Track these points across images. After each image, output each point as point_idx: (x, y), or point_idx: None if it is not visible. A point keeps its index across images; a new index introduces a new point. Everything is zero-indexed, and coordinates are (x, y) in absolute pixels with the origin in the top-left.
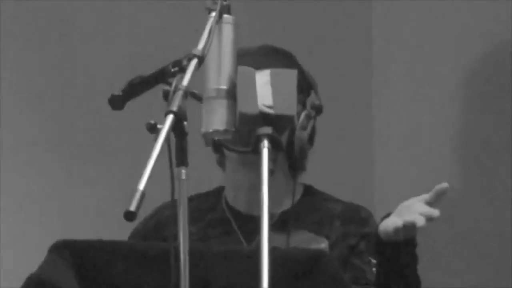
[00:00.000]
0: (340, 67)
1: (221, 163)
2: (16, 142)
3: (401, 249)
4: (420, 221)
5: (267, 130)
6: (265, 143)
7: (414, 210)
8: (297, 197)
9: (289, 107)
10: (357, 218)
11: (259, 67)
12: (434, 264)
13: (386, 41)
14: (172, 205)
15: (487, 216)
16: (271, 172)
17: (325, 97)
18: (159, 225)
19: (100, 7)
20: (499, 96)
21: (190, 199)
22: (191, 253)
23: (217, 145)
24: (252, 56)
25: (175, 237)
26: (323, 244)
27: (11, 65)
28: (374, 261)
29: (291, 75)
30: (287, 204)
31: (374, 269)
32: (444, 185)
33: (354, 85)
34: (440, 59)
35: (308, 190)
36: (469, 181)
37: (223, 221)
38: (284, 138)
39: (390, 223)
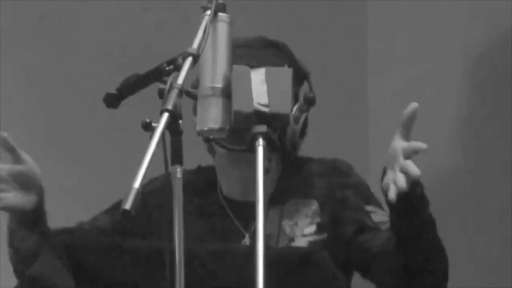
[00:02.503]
0: (335, 63)
1: (211, 151)
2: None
3: (410, 199)
4: (413, 171)
5: (262, 128)
6: (260, 141)
7: (399, 157)
8: (281, 170)
9: (284, 105)
10: (336, 170)
11: (252, 59)
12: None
13: (381, 37)
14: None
15: (486, 211)
16: (266, 171)
17: (319, 91)
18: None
19: (95, 6)
20: (497, 91)
21: (188, 173)
22: (187, 252)
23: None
24: (245, 49)
25: (160, 208)
26: (313, 206)
27: (10, 65)
28: (368, 208)
29: (286, 73)
30: (273, 177)
31: (371, 213)
32: (413, 105)
33: (349, 82)
34: (437, 53)
35: (290, 162)
36: (468, 178)
37: (220, 210)
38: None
39: (391, 189)
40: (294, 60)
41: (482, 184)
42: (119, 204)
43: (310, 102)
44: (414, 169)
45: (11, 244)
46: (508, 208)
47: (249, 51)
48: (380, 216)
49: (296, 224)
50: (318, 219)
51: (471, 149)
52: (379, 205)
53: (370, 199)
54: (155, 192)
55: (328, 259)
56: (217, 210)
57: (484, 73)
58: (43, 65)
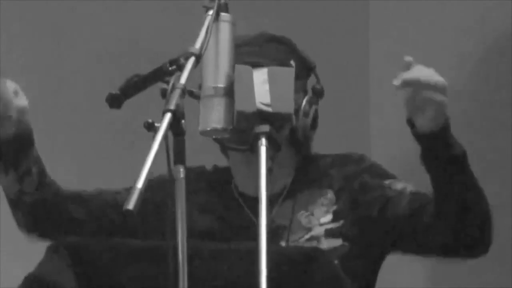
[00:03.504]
0: (336, 63)
1: (224, 152)
2: None
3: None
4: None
5: (265, 128)
6: (263, 141)
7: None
8: (298, 166)
9: (287, 105)
10: (350, 159)
11: (257, 56)
12: (433, 264)
13: (383, 37)
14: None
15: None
16: (269, 170)
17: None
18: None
19: (97, 6)
20: (498, 91)
21: (206, 172)
22: (189, 251)
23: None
24: (249, 46)
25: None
26: (329, 194)
27: (10, 65)
28: (386, 182)
29: (289, 73)
30: (290, 177)
31: (391, 185)
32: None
33: (351, 81)
34: (438, 53)
35: (304, 157)
36: None
37: (237, 206)
38: (287, 125)
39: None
40: (299, 53)
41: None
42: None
43: (319, 94)
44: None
45: None
46: (508, 204)
47: (252, 49)
48: (400, 184)
49: (312, 214)
50: (334, 207)
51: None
52: (396, 178)
53: (386, 174)
54: (156, 187)
55: (331, 258)
56: (233, 205)
57: (485, 73)
58: (44, 65)
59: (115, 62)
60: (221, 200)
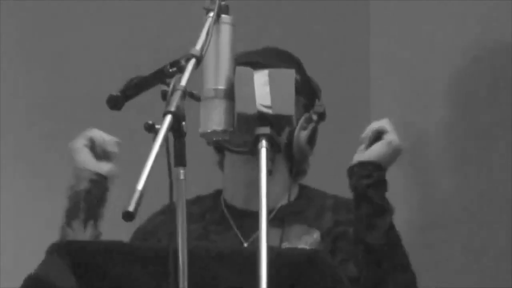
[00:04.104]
0: (336, 63)
1: (221, 164)
2: (16, 142)
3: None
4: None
5: (266, 130)
6: (264, 143)
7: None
8: (293, 196)
9: (287, 107)
10: (346, 207)
11: (262, 59)
12: (433, 264)
13: (383, 36)
14: (168, 209)
15: (485, 212)
16: (269, 172)
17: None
18: (151, 232)
19: (97, 7)
20: (498, 92)
21: (190, 202)
22: (190, 254)
23: (219, 146)
24: (257, 55)
25: (169, 237)
26: (315, 235)
27: (10, 65)
28: None
29: (289, 75)
30: (283, 202)
31: None
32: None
33: (351, 81)
34: (438, 54)
35: (304, 189)
36: (466, 183)
37: (221, 219)
38: (283, 139)
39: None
40: (307, 77)
41: (481, 186)
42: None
43: (320, 116)
44: None
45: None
46: (509, 203)
47: (258, 55)
48: None
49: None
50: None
51: (471, 149)
52: None
53: None
54: (159, 225)
55: (330, 260)
56: (217, 219)
57: (485, 73)
58: (45, 66)
59: (116, 64)
60: (208, 211)
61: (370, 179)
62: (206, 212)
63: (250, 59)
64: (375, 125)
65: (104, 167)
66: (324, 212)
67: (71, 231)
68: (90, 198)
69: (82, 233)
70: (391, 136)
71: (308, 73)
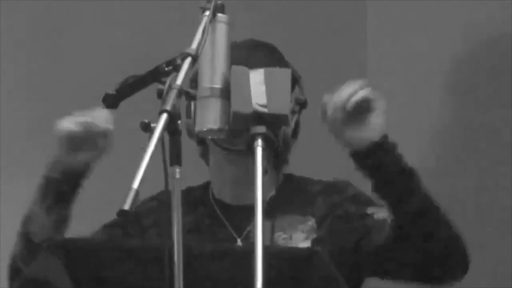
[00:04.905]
0: (335, 63)
1: (204, 156)
2: (16, 141)
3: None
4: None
5: (261, 129)
6: (259, 142)
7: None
8: (279, 184)
9: (283, 106)
10: (336, 188)
11: (247, 60)
12: None
13: (380, 36)
14: (165, 194)
15: (485, 210)
16: (265, 171)
17: (319, 92)
18: (138, 214)
19: (94, 7)
20: (498, 91)
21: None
22: (185, 253)
23: (201, 138)
24: (238, 50)
25: (156, 225)
26: (310, 222)
27: (10, 64)
28: (369, 210)
29: (285, 74)
30: (271, 193)
31: (374, 214)
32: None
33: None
34: (436, 54)
35: (288, 178)
36: (465, 182)
37: (211, 214)
38: (279, 138)
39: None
40: (284, 62)
41: (481, 186)
42: (115, 223)
43: (301, 105)
44: None
45: (26, 226)
46: (509, 203)
47: (241, 52)
48: (383, 213)
49: (290, 238)
50: (314, 235)
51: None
52: (381, 206)
53: (370, 202)
54: (151, 210)
55: (327, 259)
56: (208, 213)
57: (484, 73)
58: (42, 65)
59: (111, 63)
60: (197, 205)
61: (391, 159)
62: (196, 206)
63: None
64: (359, 93)
65: (80, 161)
66: (315, 197)
67: (34, 216)
68: (60, 189)
69: (45, 219)
70: (382, 104)
71: (309, 74)
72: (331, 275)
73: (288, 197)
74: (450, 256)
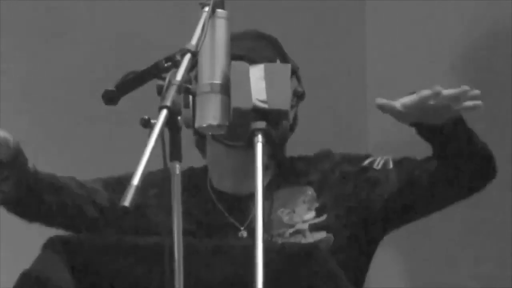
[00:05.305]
0: (335, 64)
1: (200, 146)
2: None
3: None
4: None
5: (261, 124)
6: (259, 137)
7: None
8: (273, 171)
9: (283, 101)
10: (322, 156)
11: (245, 51)
12: (433, 263)
13: (379, 35)
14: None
15: (486, 209)
16: (265, 167)
17: (318, 91)
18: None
19: (94, 3)
20: (498, 91)
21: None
22: (186, 248)
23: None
24: (239, 41)
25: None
26: (309, 191)
27: (9, 63)
28: (365, 163)
29: (285, 69)
30: (266, 180)
31: (372, 164)
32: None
33: (348, 81)
34: (435, 54)
35: (283, 161)
36: None
37: (212, 204)
38: (280, 133)
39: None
40: (284, 54)
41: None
42: (118, 181)
43: (299, 97)
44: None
45: None
46: (509, 203)
47: (242, 44)
48: (379, 160)
49: (293, 211)
50: (316, 204)
51: None
52: (371, 156)
53: (361, 157)
54: (155, 182)
55: (327, 255)
56: (207, 205)
57: (484, 73)
58: (42, 62)
59: (111, 59)
60: (195, 200)
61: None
62: (195, 194)
63: (240, 53)
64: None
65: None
66: (307, 168)
67: None
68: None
69: None
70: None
71: (309, 73)
72: (331, 271)
73: (281, 176)
74: (481, 160)
